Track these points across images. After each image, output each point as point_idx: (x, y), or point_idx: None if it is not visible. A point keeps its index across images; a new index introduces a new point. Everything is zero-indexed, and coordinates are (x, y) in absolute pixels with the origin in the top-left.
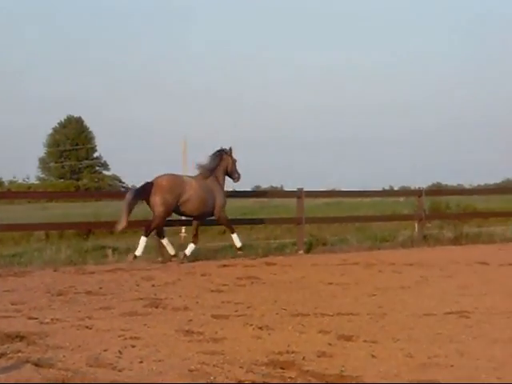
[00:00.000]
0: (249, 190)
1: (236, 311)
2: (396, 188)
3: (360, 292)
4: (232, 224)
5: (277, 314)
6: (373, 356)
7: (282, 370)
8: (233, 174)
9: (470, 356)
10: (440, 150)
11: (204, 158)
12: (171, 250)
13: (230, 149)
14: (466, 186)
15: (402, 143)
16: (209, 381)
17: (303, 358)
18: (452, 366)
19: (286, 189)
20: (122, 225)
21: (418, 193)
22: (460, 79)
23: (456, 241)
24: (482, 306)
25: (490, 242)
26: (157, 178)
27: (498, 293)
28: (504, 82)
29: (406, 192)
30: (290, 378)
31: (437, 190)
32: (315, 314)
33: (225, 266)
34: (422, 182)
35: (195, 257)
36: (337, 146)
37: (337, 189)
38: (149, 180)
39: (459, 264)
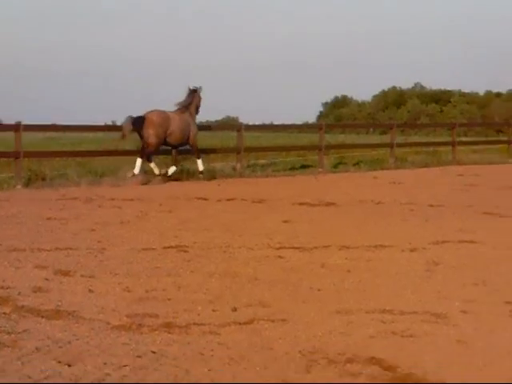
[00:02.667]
0: None
1: None
2: (119, 123)
3: (79, 227)
4: None
5: None
6: (90, 290)
7: None
8: (197, 109)
9: (187, 289)
10: (155, 86)
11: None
12: (156, 171)
13: (200, 87)
14: None
15: (120, 78)
16: None
17: (19, 294)
18: (169, 299)
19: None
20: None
21: None
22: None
23: (177, 176)
24: (200, 241)
25: (210, 178)
26: (147, 113)
27: (216, 227)
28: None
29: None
30: (4, 313)
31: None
32: (32, 249)
33: None
34: None
35: None
36: (61, 78)
37: (58, 123)
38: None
39: (179, 199)
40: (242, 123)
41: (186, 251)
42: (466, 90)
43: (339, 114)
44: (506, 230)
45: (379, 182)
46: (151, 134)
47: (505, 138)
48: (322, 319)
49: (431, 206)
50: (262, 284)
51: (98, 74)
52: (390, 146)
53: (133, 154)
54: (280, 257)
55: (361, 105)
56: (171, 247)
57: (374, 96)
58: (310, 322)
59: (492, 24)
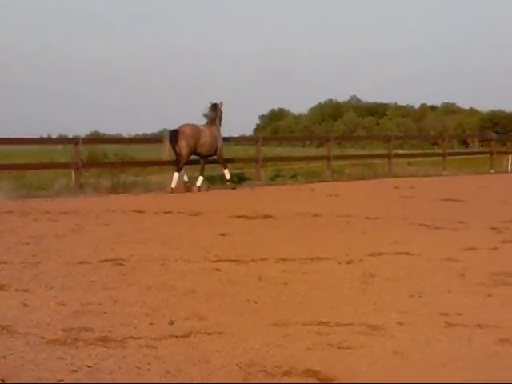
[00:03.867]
0: None
1: None
2: (54, 136)
3: (13, 240)
4: None
5: None
6: (25, 305)
7: None
8: (220, 122)
9: (123, 303)
10: (97, 100)
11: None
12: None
13: (221, 102)
14: (125, 135)
15: (59, 92)
16: None
17: None
18: (105, 313)
19: None
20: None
21: (75, 141)
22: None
23: (113, 189)
24: (136, 254)
25: (146, 190)
26: (180, 126)
27: (153, 240)
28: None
29: (63, 140)
30: None
31: (95, 139)
32: None
33: None
34: (79, 131)
35: None
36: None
37: None
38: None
39: (116, 212)
40: None
41: (122, 264)
42: (402, 103)
43: (276, 126)
44: (441, 241)
45: (316, 194)
46: (183, 146)
47: (440, 151)
48: (259, 332)
49: (368, 218)
50: (199, 297)
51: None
52: (327, 158)
53: (67, 166)
54: (217, 269)
55: (297, 117)
56: (107, 260)
57: (311, 109)
58: (247, 335)
59: (426, 37)
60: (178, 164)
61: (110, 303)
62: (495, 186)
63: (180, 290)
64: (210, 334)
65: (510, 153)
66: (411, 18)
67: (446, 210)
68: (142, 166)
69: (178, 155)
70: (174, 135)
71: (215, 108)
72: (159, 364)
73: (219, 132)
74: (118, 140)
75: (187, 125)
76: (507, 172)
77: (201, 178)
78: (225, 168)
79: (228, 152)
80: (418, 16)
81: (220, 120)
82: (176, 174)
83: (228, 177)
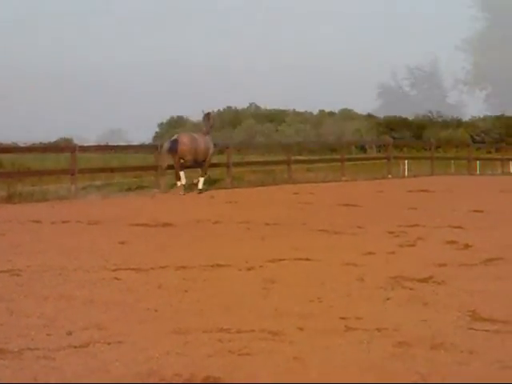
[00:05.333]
0: None
1: None
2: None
3: None
4: None
5: None
6: None
7: None
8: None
9: (20, 314)
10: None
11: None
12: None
13: (212, 111)
14: (21, 144)
15: None
16: None
17: None
18: (1, 324)
19: None
20: (164, 165)
21: None
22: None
23: (9, 199)
24: (34, 264)
25: (43, 200)
26: (179, 135)
27: (50, 250)
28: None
29: None
30: None
31: None
32: None
33: None
34: None
35: None
36: None
37: None
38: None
39: (12, 222)
40: (76, 144)
41: (19, 275)
42: (300, 110)
43: (175, 134)
44: (340, 246)
45: (216, 201)
46: (185, 152)
47: (338, 157)
48: (159, 340)
49: (267, 224)
50: (98, 306)
51: None
52: (227, 165)
53: None
54: (116, 278)
55: (196, 125)
56: (3, 271)
57: None
58: (147, 344)
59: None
60: (179, 166)
61: (7, 315)
62: (393, 191)
63: (78, 300)
64: (109, 343)
65: (407, 158)
66: (307, 26)
67: (345, 215)
68: (38, 175)
69: (183, 161)
70: (176, 144)
71: (208, 117)
72: (57, 375)
73: (211, 140)
74: (13, 149)
75: (185, 134)
76: (404, 177)
77: (201, 179)
78: (205, 174)
79: (130, 160)
80: (313, 24)
81: (211, 128)
82: (181, 173)
83: (201, 186)
